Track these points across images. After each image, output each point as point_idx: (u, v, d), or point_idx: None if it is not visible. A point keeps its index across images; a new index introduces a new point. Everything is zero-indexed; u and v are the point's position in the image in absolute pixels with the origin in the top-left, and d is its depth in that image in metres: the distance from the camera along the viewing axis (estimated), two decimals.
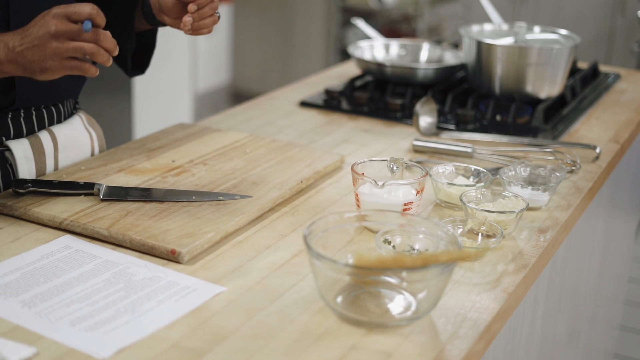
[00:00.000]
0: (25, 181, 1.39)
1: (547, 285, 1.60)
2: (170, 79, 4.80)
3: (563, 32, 2.11)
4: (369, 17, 5.43)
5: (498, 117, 2.00)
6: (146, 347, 1.02)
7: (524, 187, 1.48)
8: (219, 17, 1.50)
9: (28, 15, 1.37)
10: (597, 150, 1.74)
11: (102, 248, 1.28)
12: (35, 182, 1.39)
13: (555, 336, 1.78)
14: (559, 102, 2.10)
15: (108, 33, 1.29)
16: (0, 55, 1.29)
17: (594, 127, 1.99)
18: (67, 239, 1.30)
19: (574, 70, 2.35)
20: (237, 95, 5.77)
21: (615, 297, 2.67)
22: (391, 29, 5.40)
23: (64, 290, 1.15)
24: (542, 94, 2.02)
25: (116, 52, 1.30)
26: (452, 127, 1.92)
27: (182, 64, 4.68)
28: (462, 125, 1.93)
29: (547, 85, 2.01)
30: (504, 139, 1.81)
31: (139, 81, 4.02)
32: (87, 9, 1.26)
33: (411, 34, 5.30)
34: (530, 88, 2.01)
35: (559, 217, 1.47)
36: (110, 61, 1.30)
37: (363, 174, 1.40)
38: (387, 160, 1.44)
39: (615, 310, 2.71)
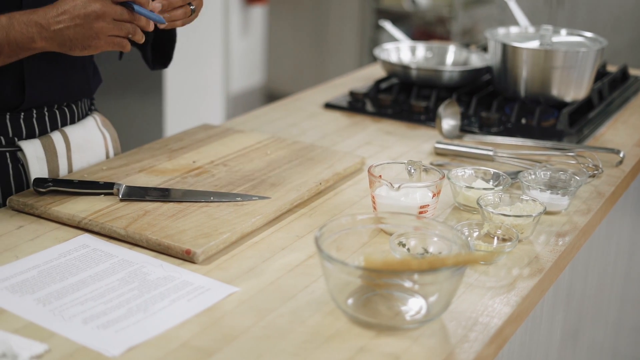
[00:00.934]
0: (46, 180, 1.41)
1: (567, 290, 1.59)
2: (202, 79, 4.83)
3: (590, 35, 2.09)
4: (403, 19, 5.43)
5: (523, 121, 1.99)
6: (156, 346, 1.03)
7: (543, 190, 1.47)
8: (192, 10, 1.49)
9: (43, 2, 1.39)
10: (621, 155, 1.72)
11: (119, 247, 1.29)
12: (55, 182, 1.41)
13: (576, 342, 1.76)
14: (586, 106, 2.08)
15: None
16: (32, 34, 1.34)
17: (620, 131, 1.97)
18: (85, 237, 1.32)
19: (602, 74, 2.32)
20: (271, 96, 5.78)
21: None
22: (425, 31, 5.38)
23: (78, 288, 1.16)
24: (568, 98, 2.01)
25: (150, 28, 1.40)
26: (475, 130, 1.91)
27: (214, 65, 4.71)
28: (485, 128, 1.92)
29: (573, 88, 2.00)
30: (527, 142, 1.80)
31: (170, 82, 4.05)
32: None
33: (445, 36, 5.28)
34: (555, 91, 1.99)
35: (578, 221, 1.46)
36: (144, 37, 1.41)
37: (380, 176, 1.41)
38: (404, 163, 1.44)
39: None
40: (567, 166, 1.65)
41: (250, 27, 5.62)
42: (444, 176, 1.38)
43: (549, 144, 1.79)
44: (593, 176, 1.64)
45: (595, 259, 1.77)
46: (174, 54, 1.67)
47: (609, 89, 2.23)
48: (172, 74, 4.31)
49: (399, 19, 5.45)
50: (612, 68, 2.47)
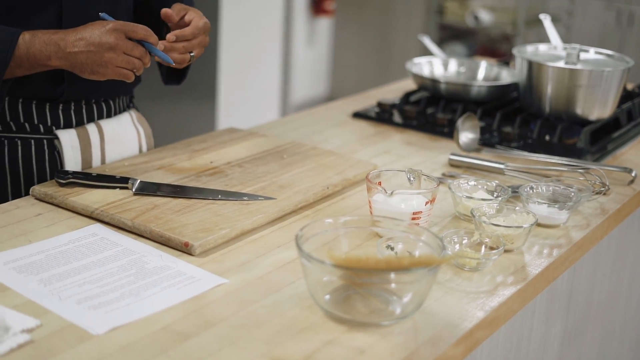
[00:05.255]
0: (67, 172, 1.51)
1: (565, 303, 1.62)
2: (258, 88, 4.93)
3: (617, 54, 2.11)
4: (467, 35, 5.45)
5: (547, 137, 2.02)
6: (138, 327, 1.11)
7: (540, 204, 1.51)
8: (191, 57, 1.60)
9: (80, 15, 1.55)
10: (633, 174, 1.74)
11: (125, 237, 1.38)
12: (75, 174, 1.51)
13: (580, 356, 1.79)
14: (613, 125, 2.10)
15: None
16: (49, 52, 1.46)
17: None
18: (96, 227, 1.41)
19: (634, 94, 2.33)
20: None
21: None
22: (488, 48, 5.39)
23: (79, 272, 1.25)
24: (592, 116, 2.03)
25: (147, 64, 1.53)
26: (495, 144, 1.95)
27: (272, 74, 4.81)
28: (505, 143, 1.96)
29: (597, 107, 2.02)
30: (542, 158, 1.83)
31: (224, 88, 4.15)
32: (143, 31, 1.48)
33: (508, 53, 5.28)
34: (579, 110, 2.02)
35: (575, 236, 1.49)
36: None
37: (380, 183, 1.46)
38: (404, 171, 1.49)
39: None
40: (577, 183, 1.68)
41: (316, 38, 5.72)
42: (438, 184, 1.43)
43: (564, 160, 1.81)
44: (599, 193, 1.66)
45: (603, 276, 1.79)
46: (188, 73, 1.77)
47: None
48: (226, 81, 4.42)
49: (462, 35, 5.48)
50: None
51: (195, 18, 1.60)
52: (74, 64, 1.47)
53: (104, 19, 1.49)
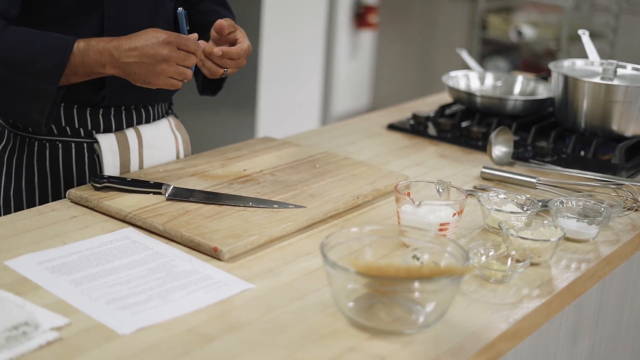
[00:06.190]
0: (102, 176, 1.55)
1: (594, 320, 1.61)
2: (300, 99, 4.96)
3: None
4: (510, 50, 5.43)
5: (582, 153, 2.02)
6: (164, 328, 1.14)
7: (570, 218, 1.51)
8: (224, 72, 1.65)
9: (122, 24, 1.60)
10: None
11: (156, 241, 1.41)
12: (110, 178, 1.55)
13: None
14: None
15: None
16: (104, 61, 1.51)
17: None
18: (128, 230, 1.44)
19: None
20: None
21: None
22: (532, 63, 5.37)
23: (110, 274, 1.28)
24: (629, 132, 2.02)
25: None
26: (528, 158, 1.95)
27: (314, 86, 4.83)
28: (539, 157, 1.96)
29: (633, 123, 2.01)
30: (575, 173, 1.82)
31: (265, 99, 4.18)
32: (193, 45, 1.54)
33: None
34: (615, 126, 2.01)
35: (604, 251, 1.49)
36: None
37: (409, 193, 1.48)
38: (434, 182, 1.51)
39: None
40: (609, 199, 1.67)
41: (358, 51, 5.74)
42: (466, 196, 1.44)
43: (598, 176, 1.81)
44: (631, 209, 1.66)
45: (635, 293, 1.78)
46: (223, 85, 1.82)
47: None
48: (267, 91, 4.46)
49: (504, 50, 5.46)
50: None
51: (242, 39, 1.66)
52: (127, 73, 1.53)
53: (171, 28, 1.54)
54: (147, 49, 1.50)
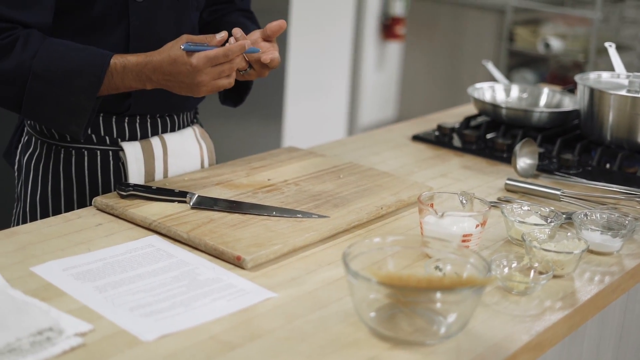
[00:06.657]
0: (128, 185, 1.56)
1: (619, 333, 1.60)
2: (326, 110, 4.96)
3: None
4: (537, 62, 5.41)
5: (607, 165, 2.01)
6: (187, 336, 1.15)
7: (594, 230, 1.50)
8: (246, 69, 1.62)
9: (146, 37, 1.62)
10: None
11: (181, 249, 1.42)
12: (136, 187, 1.56)
13: None
14: None
15: None
16: (144, 82, 1.55)
17: None
18: (153, 238, 1.45)
19: None
20: None
21: None
22: (559, 75, 5.35)
23: (134, 281, 1.29)
24: None
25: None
26: (553, 170, 1.94)
27: (341, 97, 4.84)
28: (564, 169, 1.95)
29: None
30: (600, 185, 1.82)
31: (291, 110, 4.19)
32: (224, 58, 1.51)
33: None
34: None
35: (628, 264, 1.48)
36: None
37: (432, 204, 1.48)
38: (457, 194, 1.51)
39: None
40: (634, 212, 1.66)
41: (385, 62, 5.75)
42: (489, 208, 1.44)
43: (623, 189, 1.80)
44: None
45: None
46: (245, 97, 1.83)
47: None
48: (294, 102, 4.47)
49: (532, 62, 5.44)
50: None
51: (271, 50, 1.64)
52: (168, 89, 1.56)
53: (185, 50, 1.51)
54: (182, 77, 1.51)
